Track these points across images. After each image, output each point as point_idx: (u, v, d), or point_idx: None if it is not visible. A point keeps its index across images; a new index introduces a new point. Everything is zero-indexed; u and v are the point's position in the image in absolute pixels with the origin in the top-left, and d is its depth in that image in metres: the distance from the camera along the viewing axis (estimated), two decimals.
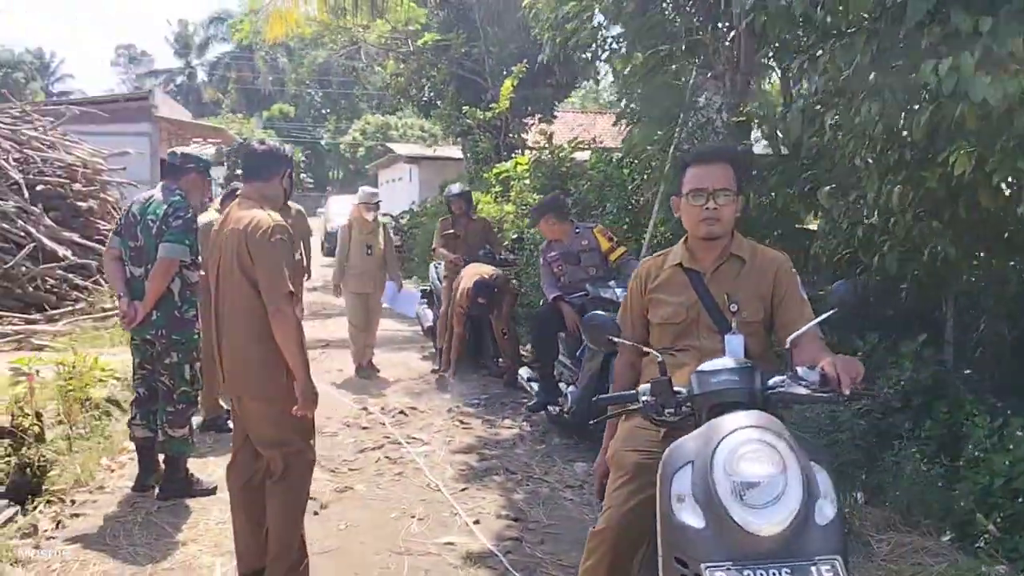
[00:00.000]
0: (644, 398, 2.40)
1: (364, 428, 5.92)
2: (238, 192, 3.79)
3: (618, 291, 5.32)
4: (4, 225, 9.69)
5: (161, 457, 4.55)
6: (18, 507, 4.12)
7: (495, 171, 13.54)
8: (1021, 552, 3.67)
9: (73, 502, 4.36)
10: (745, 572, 1.97)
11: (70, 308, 9.40)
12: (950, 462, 4.28)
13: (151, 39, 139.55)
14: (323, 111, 55.81)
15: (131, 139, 21.89)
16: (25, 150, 10.71)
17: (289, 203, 7.73)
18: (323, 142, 53.12)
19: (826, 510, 2.08)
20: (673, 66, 6.79)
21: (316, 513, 4.26)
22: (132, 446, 4.79)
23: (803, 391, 2.27)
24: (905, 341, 4.93)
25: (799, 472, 2.05)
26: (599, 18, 7.21)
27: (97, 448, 5.01)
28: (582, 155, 10.54)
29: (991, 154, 3.64)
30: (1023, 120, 3.34)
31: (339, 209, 21.76)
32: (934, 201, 4.36)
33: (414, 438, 5.66)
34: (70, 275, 9.79)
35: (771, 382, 2.32)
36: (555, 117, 17.78)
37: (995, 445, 4.06)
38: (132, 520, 4.16)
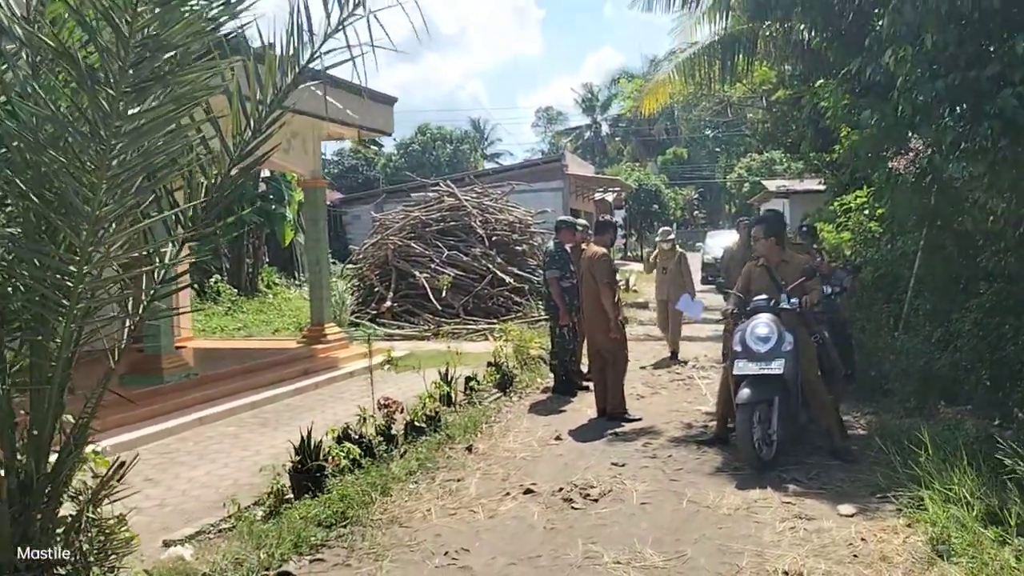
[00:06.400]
0: (733, 310, 6.13)
1: (677, 373, 9.85)
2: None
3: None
4: (474, 264, 15.30)
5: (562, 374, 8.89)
6: (500, 393, 8.69)
7: (837, 203, 16.31)
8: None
9: (524, 393, 8.85)
10: (751, 361, 5.63)
11: (512, 316, 14.56)
12: None
13: (565, 100, 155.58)
14: (715, 150, 59.63)
15: (549, 194, 27.80)
16: (485, 214, 16.35)
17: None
18: (717, 180, 56.34)
19: (787, 347, 5.68)
20: None
21: (636, 400, 8.31)
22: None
23: (788, 307, 5.82)
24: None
25: (777, 333, 5.70)
26: None
27: (535, 373, 9.53)
28: None
29: None
30: None
31: (715, 243, 23.85)
32: None
33: (704, 376, 9.41)
34: (512, 295, 15.03)
35: (781, 303, 5.87)
36: (907, 151, 19.56)
37: None
38: (549, 399, 8.57)
